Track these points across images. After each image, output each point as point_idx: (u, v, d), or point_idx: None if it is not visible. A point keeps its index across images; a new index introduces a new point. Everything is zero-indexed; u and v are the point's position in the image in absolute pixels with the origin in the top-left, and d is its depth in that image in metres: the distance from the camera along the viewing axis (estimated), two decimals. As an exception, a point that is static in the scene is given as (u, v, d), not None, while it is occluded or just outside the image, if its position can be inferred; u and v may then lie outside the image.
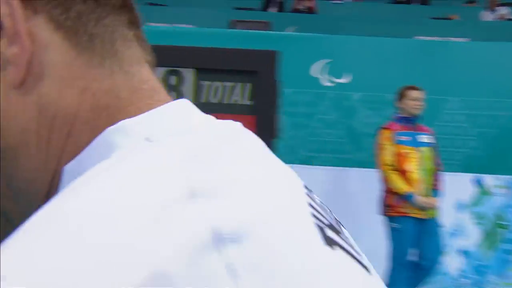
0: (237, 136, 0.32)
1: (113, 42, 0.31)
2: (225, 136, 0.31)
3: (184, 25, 5.27)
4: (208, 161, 0.27)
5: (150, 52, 0.34)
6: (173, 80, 1.44)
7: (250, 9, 6.53)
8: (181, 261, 0.22)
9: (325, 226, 0.29)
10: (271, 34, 4.63)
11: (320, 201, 0.33)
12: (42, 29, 0.29)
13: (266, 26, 4.97)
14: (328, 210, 0.33)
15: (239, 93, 1.41)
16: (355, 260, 0.29)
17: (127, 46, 0.32)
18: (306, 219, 0.28)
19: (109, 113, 0.30)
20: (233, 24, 4.85)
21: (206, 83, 1.43)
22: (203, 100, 1.42)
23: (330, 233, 0.28)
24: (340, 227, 0.33)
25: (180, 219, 0.23)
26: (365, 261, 0.31)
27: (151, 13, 5.63)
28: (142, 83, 0.32)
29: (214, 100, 1.42)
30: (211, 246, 0.23)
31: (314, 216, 0.29)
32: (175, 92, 1.40)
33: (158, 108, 0.30)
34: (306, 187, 0.33)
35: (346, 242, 0.30)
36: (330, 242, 0.28)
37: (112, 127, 0.29)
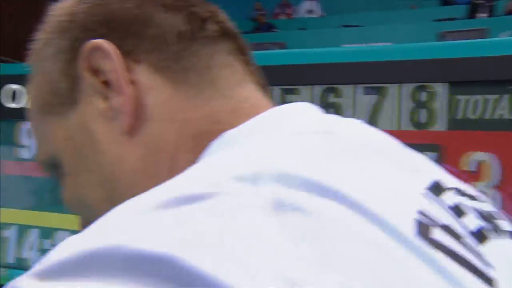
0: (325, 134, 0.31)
1: (210, 70, 0.33)
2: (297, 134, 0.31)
3: (381, 43, 5.13)
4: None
5: (257, 73, 0.37)
6: (423, 96, 1.30)
7: (454, 18, 6.06)
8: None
9: (435, 225, 0.26)
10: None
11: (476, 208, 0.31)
12: (143, 75, 0.32)
13: (480, 33, 4.50)
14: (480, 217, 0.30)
15: (507, 106, 1.20)
16: (464, 267, 0.25)
17: (226, 71, 0.34)
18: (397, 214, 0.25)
19: (210, 138, 0.31)
20: (442, 36, 4.52)
21: (463, 97, 1.26)
22: (459, 116, 1.25)
23: (437, 234, 0.26)
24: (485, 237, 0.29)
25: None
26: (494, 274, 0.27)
27: (347, 34, 5.64)
28: (242, 103, 0.34)
29: (472, 116, 1.23)
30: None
31: (422, 213, 0.27)
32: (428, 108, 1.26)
33: (253, 119, 0.32)
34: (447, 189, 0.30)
35: (468, 249, 0.27)
36: (427, 239, 0.25)
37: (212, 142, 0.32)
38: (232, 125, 0.32)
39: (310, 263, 0.21)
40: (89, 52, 0.32)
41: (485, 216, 0.31)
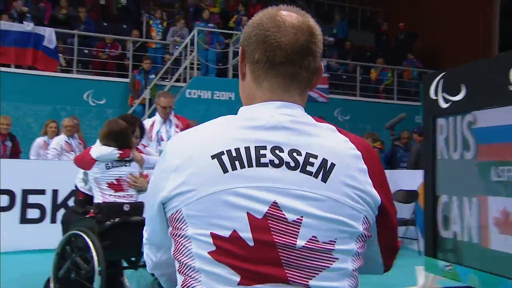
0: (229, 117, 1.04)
1: (264, 81, 1.03)
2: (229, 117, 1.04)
3: None
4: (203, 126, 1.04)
5: (284, 92, 1.03)
6: None
7: None
8: None
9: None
10: None
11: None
12: (247, 66, 1.06)
13: None
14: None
15: None
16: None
17: (268, 85, 1.03)
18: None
19: (249, 100, 1.05)
20: None
21: None
22: None
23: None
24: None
25: None
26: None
27: None
28: (260, 99, 1.04)
29: None
30: None
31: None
32: None
33: (255, 105, 1.03)
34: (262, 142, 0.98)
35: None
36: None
37: (244, 107, 1.06)
38: (254, 102, 1.05)
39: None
40: (241, 51, 1.06)
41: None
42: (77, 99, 9.19)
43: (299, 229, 0.93)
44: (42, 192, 5.55)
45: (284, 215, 0.93)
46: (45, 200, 5.55)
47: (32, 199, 5.54)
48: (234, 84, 8.84)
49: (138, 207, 3.31)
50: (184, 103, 8.95)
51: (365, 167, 0.99)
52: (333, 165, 0.96)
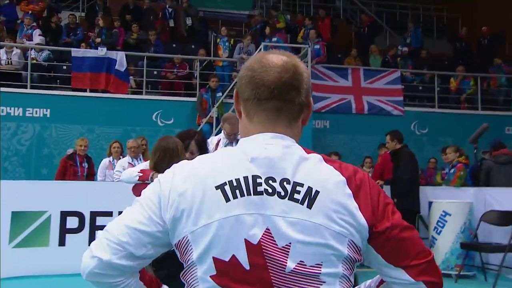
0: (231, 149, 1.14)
1: (254, 115, 1.13)
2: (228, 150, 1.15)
3: None
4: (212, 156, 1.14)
5: (273, 124, 1.12)
6: None
7: None
8: None
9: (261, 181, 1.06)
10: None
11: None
12: (241, 105, 1.16)
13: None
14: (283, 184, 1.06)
15: None
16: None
17: (257, 119, 1.13)
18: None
19: (245, 134, 1.14)
20: None
21: None
22: None
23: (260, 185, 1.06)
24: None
25: None
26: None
27: None
28: (253, 132, 1.13)
29: None
30: None
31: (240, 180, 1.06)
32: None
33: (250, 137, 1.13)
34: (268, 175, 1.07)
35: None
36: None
37: (241, 139, 1.16)
38: (248, 135, 1.14)
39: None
40: (235, 93, 1.18)
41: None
42: (146, 119, 9.28)
43: (288, 254, 1.03)
44: (109, 214, 5.52)
45: (275, 241, 1.03)
46: (112, 222, 5.50)
47: (100, 221, 5.52)
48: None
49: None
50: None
51: (350, 191, 1.06)
52: (317, 192, 1.05)
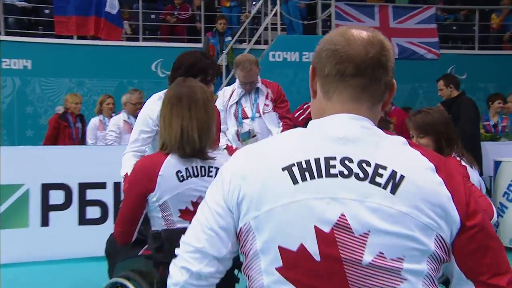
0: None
1: (334, 93, 1.03)
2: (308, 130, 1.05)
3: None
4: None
5: (354, 105, 1.02)
6: None
7: None
8: None
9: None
10: None
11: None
12: (318, 82, 1.06)
13: None
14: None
15: None
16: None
17: (337, 97, 1.03)
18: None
19: (319, 115, 1.05)
20: None
21: None
22: None
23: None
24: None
25: None
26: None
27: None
28: (330, 112, 1.03)
29: None
30: None
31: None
32: None
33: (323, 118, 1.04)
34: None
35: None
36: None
37: (312, 120, 1.06)
38: (323, 115, 1.04)
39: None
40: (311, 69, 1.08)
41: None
42: (144, 70, 8.19)
43: (365, 244, 0.94)
44: (102, 185, 4.44)
45: (351, 229, 0.94)
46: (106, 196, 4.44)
47: (91, 194, 4.45)
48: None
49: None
50: (268, 68, 7.51)
51: (440, 178, 0.97)
52: (402, 177, 0.96)
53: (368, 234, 0.93)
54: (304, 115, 5.15)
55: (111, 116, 5.51)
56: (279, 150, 1.01)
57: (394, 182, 0.95)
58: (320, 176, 0.95)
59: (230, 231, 1.02)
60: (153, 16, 9.05)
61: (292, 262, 0.94)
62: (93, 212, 4.45)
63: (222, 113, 3.63)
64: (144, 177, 1.89)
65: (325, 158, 0.97)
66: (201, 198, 1.86)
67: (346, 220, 0.93)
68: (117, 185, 4.39)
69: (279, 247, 0.95)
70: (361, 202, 0.94)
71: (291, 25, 8.63)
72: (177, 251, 1.08)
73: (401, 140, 1.01)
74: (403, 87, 8.65)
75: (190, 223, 2.02)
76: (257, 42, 8.60)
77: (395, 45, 9.06)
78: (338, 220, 0.93)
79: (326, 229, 0.93)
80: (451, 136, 2.55)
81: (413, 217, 0.93)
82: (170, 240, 1.75)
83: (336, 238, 0.93)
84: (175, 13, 8.99)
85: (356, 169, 0.96)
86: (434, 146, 2.45)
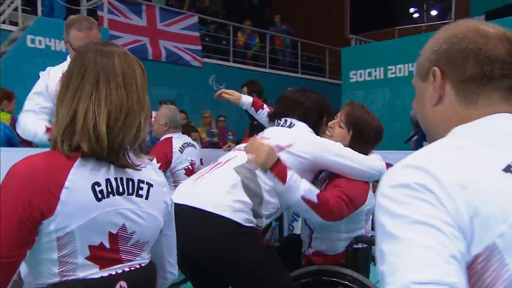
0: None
1: (479, 97, 0.89)
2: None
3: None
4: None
5: (504, 105, 0.88)
6: None
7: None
8: None
9: None
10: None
11: None
12: (448, 87, 0.91)
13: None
14: None
15: None
16: None
17: (485, 101, 0.88)
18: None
19: (453, 123, 0.89)
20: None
21: None
22: None
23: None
24: None
25: None
26: None
27: None
28: (477, 116, 0.87)
29: None
30: None
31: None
32: None
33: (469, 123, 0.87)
34: None
35: None
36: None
37: (455, 127, 0.88)
38: (466, 121, 0.88)
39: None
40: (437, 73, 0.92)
41: None
42: None
43: None
44: None
45: None
46: None
47: None
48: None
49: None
50: (28, 56, 6.12)
51: None
52: None
53: None
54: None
55: None
56: (483, 150, 0.84)
57: None
58: None
59: (462, 254, 0.77)
60: None
61: None
62: None
63: (41, 97, 2.66)
64: (35, 190, 1.10)
65: None
66: (124, 228, 1.22)
67: None
68: None
69: None
70: None
71: (51, 8, 7.32)
72: None
73: None
74: (169, 91, 8.46)
75: (101, 269, 1.21)
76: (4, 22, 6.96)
77: (162, 48, 8.82)
78: None
79: None
80: None
81: None
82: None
83: None
84: None
85: None
86: None
